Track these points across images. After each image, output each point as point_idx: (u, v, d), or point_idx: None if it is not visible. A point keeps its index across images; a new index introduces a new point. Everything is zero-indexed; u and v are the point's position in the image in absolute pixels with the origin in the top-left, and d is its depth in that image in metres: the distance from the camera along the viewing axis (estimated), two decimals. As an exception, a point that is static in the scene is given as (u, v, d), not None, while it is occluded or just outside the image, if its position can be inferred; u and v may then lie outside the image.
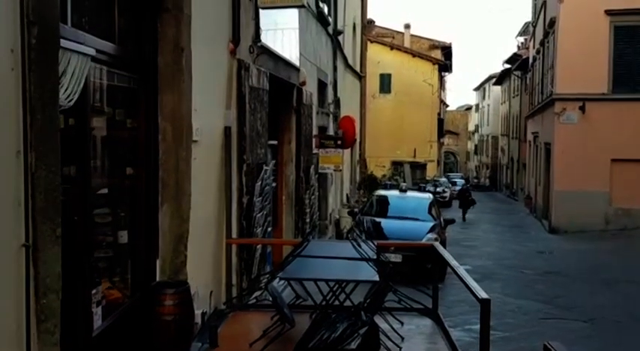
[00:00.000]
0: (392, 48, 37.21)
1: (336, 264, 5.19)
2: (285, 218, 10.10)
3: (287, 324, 4.58)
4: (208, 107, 5.83)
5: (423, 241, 10.44)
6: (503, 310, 8.63)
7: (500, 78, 45.39)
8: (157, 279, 4.92)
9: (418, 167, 29.45)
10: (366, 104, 29.69)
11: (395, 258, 10.28)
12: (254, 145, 6.83)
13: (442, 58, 40.75)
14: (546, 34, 21.82)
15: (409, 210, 11.94)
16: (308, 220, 10.45)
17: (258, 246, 6.77)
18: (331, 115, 14.46)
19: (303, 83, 10.30)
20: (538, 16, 25.51)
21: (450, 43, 41.22)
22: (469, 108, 68.03)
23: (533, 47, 27.27)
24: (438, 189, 29.80)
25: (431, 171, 35.33)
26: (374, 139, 33.79)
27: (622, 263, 12.76)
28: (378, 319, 4.92)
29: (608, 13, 18.21)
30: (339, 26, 17.03)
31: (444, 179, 34.17)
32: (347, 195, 18.74)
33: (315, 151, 11.27)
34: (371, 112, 34.84)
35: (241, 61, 6.47)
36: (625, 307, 8.97)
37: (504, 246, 16.39)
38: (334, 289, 5.00)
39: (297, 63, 9.96)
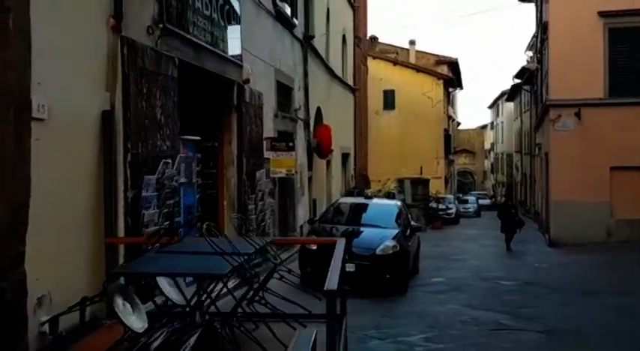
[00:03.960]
0: (395, 63, 36.63)
1: (198, 260, 4.38)
2: (226, 225, 9.36)
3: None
4: (72, 85, 5.17)
5: (378, 250, 9.58)
6: (453, 321, 7.72)
7: (512, 94, 44.30)
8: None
9: (420, 183, 28.43)
10: (363, 119, 29.01)
11: (347, 267, 9.42)
12: (148, 135, 6.15)
13: (449, 73, 40.03)
14: (542, 41, 20.97)
15: (372, 217, 11.09)
16: (252, 228, 9.68)
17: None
18: (300, 122, 13.75)
19: (247, 81, 9.64)
20: (538, 25, 24.70)
21: (457, 59, 40.62)
22: (484, 126, 66.82)
23: (536, 58, 26.40)
24: (441, 205, 28.83)
25: (437, 188, 34.31)
26: (379, 157, 33.06)
27: (612, 275, 11.70)
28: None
29: (602, 14, 17.28)
30: (318, 33, 16.50)
31: (450, 196, 33.08)
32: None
33: (266, 154, 10.54)
34: (375, 130, 34.20)
35: (127, 39, 5.83)
36: (594, 318, 7.98)
37: (496, 259, 15.41)
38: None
39: (236, 59, 9.32)
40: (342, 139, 21.40)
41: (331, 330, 3.18)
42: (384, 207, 11.48)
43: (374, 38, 38.71)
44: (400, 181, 27.99)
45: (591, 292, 9.96)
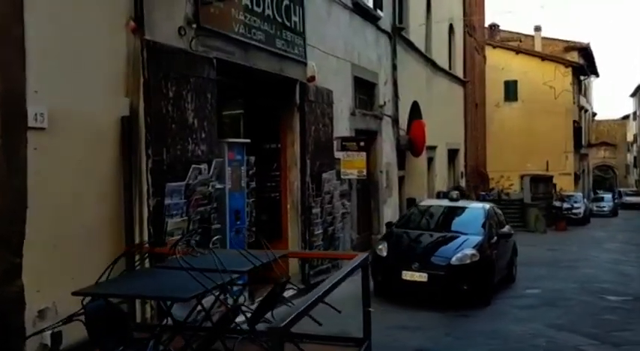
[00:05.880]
0: (517, 52, 34.27)
1: (178, 279, 4.02)
2: (290, 228, 9.04)
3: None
4: (83, 91, 5.08)
5: (453, 259, 8.73)
6: (524, 346, 6.74)
7: (656, 79, 39.96)
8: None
9: (542, 180, 26.27)
10: (480, 112, 27.43)
11: (420, 277, 8.71)
12: (175, 140, 5.94)
13: (580, 60, 36.82)
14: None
15: (454, 222, 10.18)
16: (319, 231, 9.25)
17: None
18: (386, 119, 13.07)
19: (312, 79, 9.22)
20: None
21: (588, 43, 37.21)
22: (627, 116, 60.89)
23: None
24: (566, 204, 26.46)
25: (565, 185, 31.66)
26: (500, 152, 31.18)
27: None
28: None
29: None
30: (415, 24, 15.70)
31: (577, 194, 30.31)
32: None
33: (336, 155, 10.04)
34: (495, 123, 32.31)
35: (149, 41, 5.64)
36: None
37: (614, 267, 13.66)
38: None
39: (299, 56, 8.93)
40: (448, 134, 20.32)
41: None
42: (469, 211, 10.47)
43: (494, 26, 36.56)
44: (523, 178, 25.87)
45: None
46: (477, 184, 25.41)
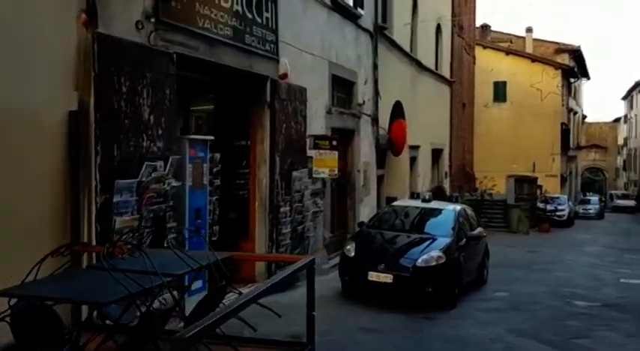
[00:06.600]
0: (507, 53, 34.27)
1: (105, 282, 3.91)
2: (257, 227, 8.95)
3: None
4: (25, 85, 4.96)
5: (419, 261, 8.68)
6: (479, 351, 6.70)
7: (646, 83, 40.07)
8: None
9: (526, 182, 26.26)
10: (467, 112, 27.38)
11: (385, 278, 8.65)
12: (128, 136, 5.83)
13: (571, 62, 36.85)
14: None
15: (424, 224, 10.14)
16: (287, 230, 9.17)
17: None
18: (365, 117, 12.99)
19: (284, 76, 9.12)
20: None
21: (579, 46, 37.21)
22: (618, 119, 61.08)
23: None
24: (550, 206, 26.48)
25: (551, 187, 31.66)
26: (488, 152, 31.16)
27: None
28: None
29: None
30: (399, 23, 15.61)
31: (562, 196, 30.38)
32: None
33: (309, 153, 9.96)
34: (483, 123, 32.27)
35: (100, 35, 5.53)
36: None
37: (589, 272, 13.66)
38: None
39: (271, 53, 8.83)
40: (432, 134, 20.27)
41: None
42: (439, 212, 10.42)
43: (486, 26, 36.52)
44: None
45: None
46: (462, 184, 25.38)
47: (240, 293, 4.57)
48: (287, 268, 4.42)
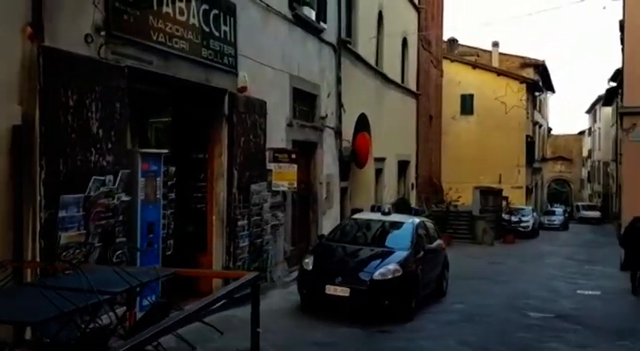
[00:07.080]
0: (474, 67, 34.86)
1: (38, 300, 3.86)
2: (215, 241, 8.91)
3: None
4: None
5: (376, 274, 8.73)
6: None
7: (608, 98, 40.88)
8: None
9: (492, 193, 26.65)
10: (434, 124, 27.71)
11: (342, 292, 8.67)
12: (75, 151, 5.77)
13: (536, 76, 37.64)
14: (622, 40, 18.92)
15: (383, 237, 10.21)
16: (244, 244, 9.15)
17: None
18: (329, 130, 13.07)
19: (243, 89, 9.14)
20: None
21: (544, 61, 38.05)
22: (583, 132, 62.50)
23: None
24: (514, 217, 26.88)
25: (517, 198, 32.14)
26: (455, 164, 31.55)
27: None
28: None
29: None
30: (364, 37, 15.77)
31: (528, 208, 30.87)
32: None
33: (268, 166, 9.97)
34: (451, 135, 32.68)
35: (46, 48, 5.48)
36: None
37: (547, 283, 13.88)
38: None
39: (229, 66, 8.84)
40: (398, 146, 20.45)
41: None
42: (398, 225, 10.50)
43: (453, 40, 37.10)
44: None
45: (628, 331, 8.54)
46: (429, 195, 25.62)
47: (181, 308, 4.56)
48: (229, 285, 4.42)
